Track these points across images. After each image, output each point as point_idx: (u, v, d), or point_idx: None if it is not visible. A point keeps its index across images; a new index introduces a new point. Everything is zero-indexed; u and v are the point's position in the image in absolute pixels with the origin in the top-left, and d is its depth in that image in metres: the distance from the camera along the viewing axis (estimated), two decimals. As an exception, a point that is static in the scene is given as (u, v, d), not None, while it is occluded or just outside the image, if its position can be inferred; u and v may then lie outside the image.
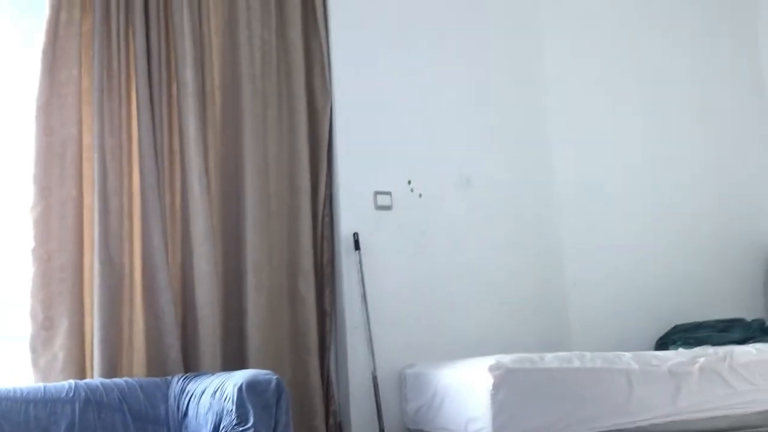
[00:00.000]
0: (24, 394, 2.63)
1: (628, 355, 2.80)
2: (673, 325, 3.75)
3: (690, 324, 3.71)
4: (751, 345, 3.05)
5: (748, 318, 3.68)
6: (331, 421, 3.25)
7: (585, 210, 3.86)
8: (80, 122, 3.10)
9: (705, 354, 2.88)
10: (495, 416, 2.53)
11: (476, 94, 3.79)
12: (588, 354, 2.76)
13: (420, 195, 3.58)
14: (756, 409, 2.75)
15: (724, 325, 3.62)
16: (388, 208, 3.51)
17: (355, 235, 3.37)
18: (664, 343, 3.64)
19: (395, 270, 3.45)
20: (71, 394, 2.67)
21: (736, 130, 4.25)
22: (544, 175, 3.83)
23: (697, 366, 2.78)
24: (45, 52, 3.07)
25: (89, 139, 3.09)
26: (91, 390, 2.71)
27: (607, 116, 4.01)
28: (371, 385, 3.22)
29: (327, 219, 3.44)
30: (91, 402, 2.67)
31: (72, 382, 2.74)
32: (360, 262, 3.34)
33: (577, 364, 2.68)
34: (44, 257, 2.95)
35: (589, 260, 3.80)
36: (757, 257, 4.13)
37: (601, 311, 3.75)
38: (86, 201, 3.07)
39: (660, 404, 2.67)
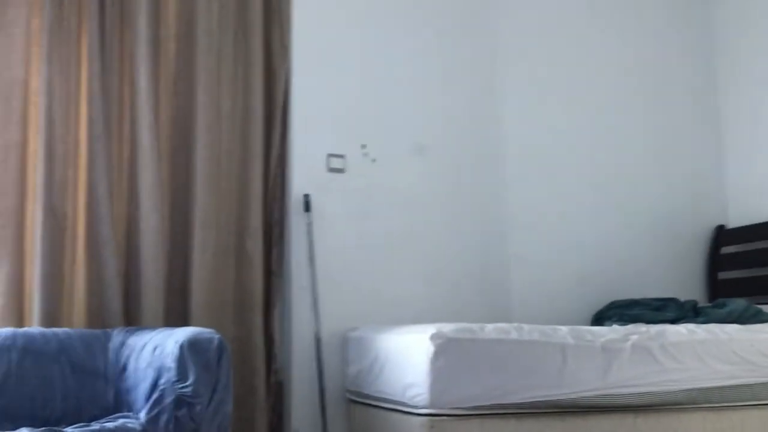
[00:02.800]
0: (-42, 341, 2.59)
1: (564, 329, 2.88)
2: (610, 301, 3.85)
3: (626, 301, 3.81)
4: (682, 325, 3.15)
5: (683, 298, 3.81)
6: (272, 379, 3.28)
7: (531, 186, 3.91)
8: (27, 64, 3.01)
9: (638, 331, 2.96)
10: (433, 383, 2.58)
11: (432, 63, 3.78)
12: (526, 326, 2.82)
13: (373, 160, 3.58)
14: (683, 387, 2.85)
15: (659, 304, 3.72)
16: (340, 171, 3.50)
17: (306, 197, 3.37)
18: (600, 318, 3.74)
19: (344, 233, 3.46)
20: (8, 342, 2.64)
21: (682, 112, 4.34)
22: (495, 149, 3.87)
23: (629, 343, 2.86)
24: (-8, -11, 2.96)
25: (36, 83, 3.00)
26: (29, 339, 2.68)
27: (558, 93, 4.04)
28: (314, 347, 3.25)
29: (278, 179, 3.42)
30: (29, 351, 2.64)
31: (10, 329, 2.70)
32: (309, 224, 3.34)
33: (514, 335, 2.74)
34: (-16, 202, 2.88)
35: (532, 235, 3.87)
36: (698, 239, 4.26)
37: (542, 285, 3.83)
38: (30, 147, 3.00)
39: (591, 378, 2.75)
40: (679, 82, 4.35)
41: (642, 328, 3.05)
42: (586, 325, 3.60)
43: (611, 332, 2.93)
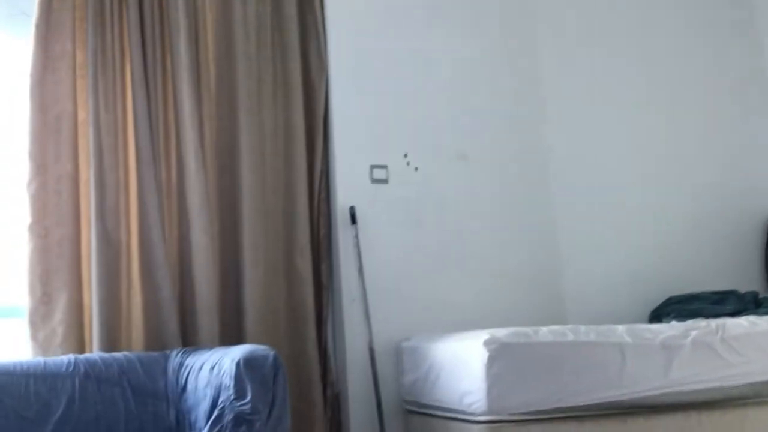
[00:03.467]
0: (24, 369, 2.66)
1: (621, 328, 2.83)
2: (667, 297, 3.77)
3: (684, 296, 3.73)
4: (743, 317, 3.07)
5: (742, 290, 3.71)
6: (328, 392, 3.29)
7: (580, 183, 3.86)
8: (75, 97, 3.09)
9: (697, 327, 2.90)
10: (489, 389, 2.56)
11: (472, 69, 3.77)
12: (582, 327, 2.79)
13: (416, 168, 3.58)
14: (746, 381, 2.78)
15: (718, 297, 3.64)
16: (384, 181, 3.51)
17: (352, 209, 3.39)
18: (657, 315, 3.67)
19: (391, 243, 3.46)
20: (71, 369, 2.70)
21: (736, 102, 4.24)
22: (540, 149, 3.83)
23: (689, 339, 2.80)
24: (38, 26, 3.05)
25: (84, 115, 3.08)
26: (91, 364, 2.74)
27: (603, 90, 3.99)
28: (368, 358, 3.25)
29: (323, 193, 3.44)
30: (91, 376, 2.70)
31: (71, 356, 2.76)
32: (356, 236, 3.36)
33: (570, 337, 2.70)
34: (41, 233, 2.96)
35: (583, 233, 3.82)
36: (754, 229, 4.14)
37: (596, 284, 3.77)
38: (82, 176, 3.07)
39: (652, 377, 2.70)
40: (729, 71, 4.25)
41: (702, 323, 2.99)
42: (644, 323, 3.53)
43: (670, 329, 2.88)
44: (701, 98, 4.18)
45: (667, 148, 4.06)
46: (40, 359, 2.76)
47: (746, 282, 3.98)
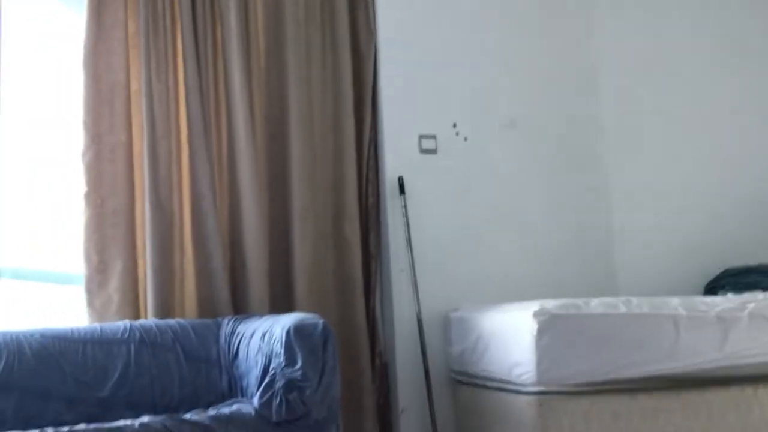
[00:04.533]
0: (82, 334, 2.74)
1: (675, 300, 2.78)
2: (723, 269, 3.69)
3: (741, 268, 3.64)
4: (803, 290, 2.99)
5: (801, 263, 3.61)
6: (377, 361, 3.32)
7: (632, 152, 3.79)
8: (127, 67, 3.12)
9: (755, 299, 2.84)
10: (539, 361, 2.55)
11: (521, 35, 3.70)
12: (634, 299, 2.75)
13: (465, 138, 3.54)
14: (805, 355, 2.71)
15: (776, 270, 3.55)
16: (432, 151, 3.49)
17: (400, 179, 3.37)
18: (713, 287, 3.60)
19: (440, 214, 3.45)
20: (127, 335, 2.77)
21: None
22: (591, 117, 3.76)
23: (746, 312, 2.74)
24: (91, -3, 3.08)
25: (136, 85, 3.12)
26: (146, 330, 2.81)
27: (657, 56, 3.88)
28: (416, 328, 3.26)
29: (372, 162, 3.44)
30: (146, 342, 2.77)
31: (127, 322, 2.84)
32: (404, 206, 3.35)
33: (623, 309, 2.67)
34: (97, 202, 3.02)
35: (636, 203, 3.75)
36: (813, 200, 4.01)
37: (649, 255, 3.71)
38: (135, 147, 3.12)
39: (707, 350, 2.65)
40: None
41: (759, 295, 2.92)
42: (699, 295, 3.46)
43: (726, 301, 2.82)
44: (760, 69, 4.03)
45: (725, 118, 3.94)
46: (97, 325, 2.83)
47: (806, 254, 3.87)
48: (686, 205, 3.83)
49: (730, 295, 3.05)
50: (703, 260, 3.75)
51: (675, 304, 2.74)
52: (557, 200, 3.64)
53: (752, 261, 3.69)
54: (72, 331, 2.75)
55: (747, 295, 2.99)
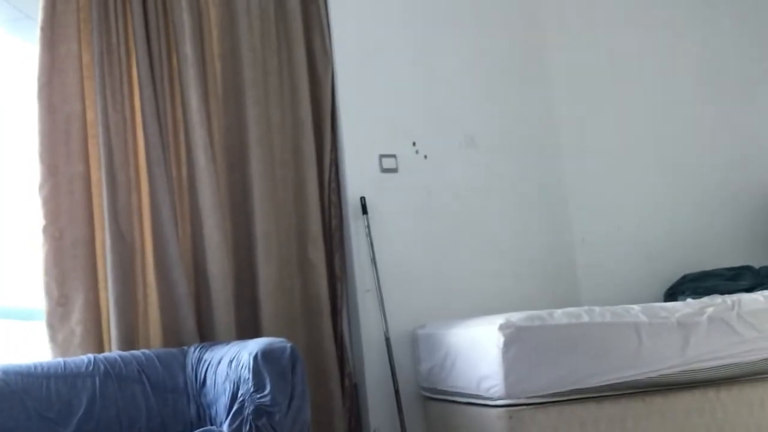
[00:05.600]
0: (45, 370, 2.68)
1: (636, 308, 2.83)
2: (682, 275, 3.77)
3: (698, 273, 3.73)
4: (759, 292, 3.06)
5: (757, 266, 3.70)
6: (346, 382, 3.31)
7: (590, 165, 3.86)
8: (83, 98, 3.09)
9: (713, 303, 2.90)
10: (507, 374, 2.57)
11: (477, 53, 3.76)
12: (597, 309, 2.79)
13: (425, 156, 3.58)
14: (764, 356, 2.77)
15: (733, 274, 3.63)
16: (393, 170, 3.51)
17: (362, 200, 3.39)
18: (673, 293, 3.67)
19: (403, 232, 3.47)
20: (91, 368, 2.72)
21: (741, 81, 4.21)
22: (548, 132, 3.82)
23: (705, 316, 2.80)
24: (43, 29, 3.05)
25: (93, 115, 3.09)
26: (110, 363, 2.76)
27: (609, 71, 3.98)
28: (384, 347, 3.27)
29: (333, 184, 3.45)
30: (111, 375, 2.73)
31: (91, 356, 2.78)
32: (368, 226, 3.36)
33: (586, 319, 2.71)
34: (56, 235, 2.98)
35: (595, 215, 3.82)
36: (765, 204, 4.12)
37: (610, 265, 3.77)
38: (94, 177, 3.09)
39: (669, 355, 2.71)
40: (735, 49, 4.21)
41: (717, 299, 2.99)
42: (659, 301, 3.53)
43: (686, 306, 2.88)
44: (715, 74, 4.15)
45: (676, 127, 4.04)
46: (60, 360, 2.78)
47: (761, 257, 3.97)
48: (644, 214, 3.91)
49: (689, 300, 3.12)
50: (662, 267, 3.83)
51: (636, 311, 2.79)
52: (518, 215, 3.69)
53: (710, 266, 3.78)
54: (35, 366, 2.69)
55: (706, 300, 3.05)
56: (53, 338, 2.94)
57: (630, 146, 3.95)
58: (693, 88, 4.12)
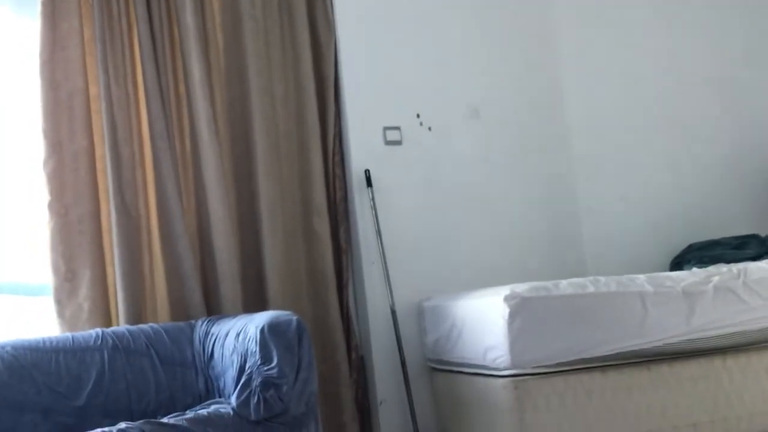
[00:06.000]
0: (53, 344, 2.71)
1: (642, 277, 2.83)
2: (687, 244, 3.76)
3: (705, 242, 3.71)
4: (765, 261, 3.06)
5: (763, 234, 3.69)
6: (353, 355, 3.33)
7: (596, 135, 3.83)
8: (85, 73, 3.09)
9: (719, 272, 2.90)
10: (512, 344, 2.58)
11: (482, 22, 3.72)
12: (602, 279, 2.79)
13: (429, 128, 3.56)
14: (770, 324, 2.78)
15: (739, 242, 3.62)
16: (398, 143, 3.50)
17: (367, 172, 3.38)
18: (679, 262, 3.66)
19: (408, 204, 3.47)
20: (99, 342, 2.75)
21: (748, 50, 4.15)
22: (554, 101, 3.79)
23: (711, 285, 2.80)
24: (44, 5, 3.05)
25: (96, 90, 3.09)
26: (118, 337, 2.79)
27: (617, 39, 3.94)
28: (390, 319, 3.28)
29: (338, 157, 3.44)
30: (119, 348, 2.75)
31: (99, 330, 2.81)
32: (372, 199, 3.36)
33: (591, 289, 2.71)
34: (61, 211, 2.99)
35: (601, 185, 3.80)
36: (772, 172, 4.10)
37: (616, 235, 3.76)
38: (98, 152, 3.09)
39: (675, 324, 2.71)
40: (740, 18, 4.16)
41: (723, 268, 2.98)
42: (665, 271, 3.53)
43: (691, 275, 2.88)
44: (715, 42, 4.10)
45: (682, 94, 4.00)
46: (68, 334, 2.80)
47: (767, 226, 3.95)
48: (650, 184, 3.89)
49: (695, 269, 3.11)
50: (668, 236, 3.82)
51: (642, 281, 2.79)
52: (523, 185, 3.68)
53: (715, 235, 3.77)
54: (44, 341, 2.72)
55: (711, 269, 3.05)
56: (61, 314, 2.96)
57: (636, 115, 3.92)
58: (701, 54, 4.07)
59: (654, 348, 2.68)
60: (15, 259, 3.22)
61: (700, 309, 2.74)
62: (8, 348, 2.64)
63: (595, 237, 3.74)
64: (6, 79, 3.21)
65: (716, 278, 2.82)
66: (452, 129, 3.60)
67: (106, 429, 2.25)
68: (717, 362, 2.75)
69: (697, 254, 3.62)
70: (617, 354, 2.64)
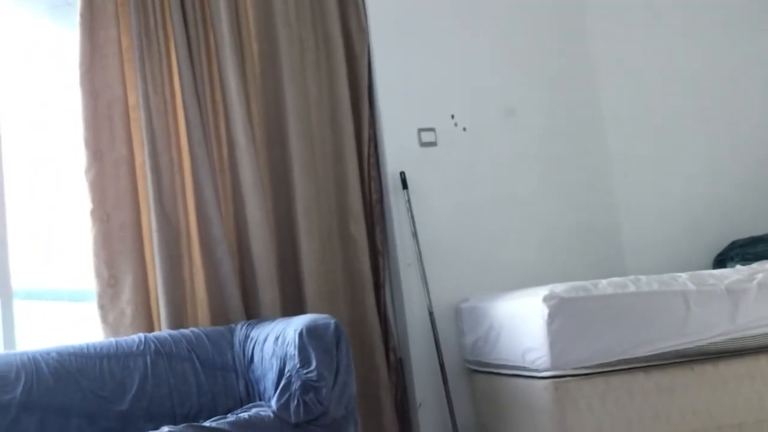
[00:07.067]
0: (97, 350, 2.77)
1: (684, 276, 2.79)
2: (730, 241, 3.69)
3: (748, 239, 3.65)
4: (811, 257, 3.00)
5: (808, 230, 3.61)
6: (391, 357, 3.33)
7: (633, 132, 3.78)
8: (124, 82, 3.14)
9: (763, 269, 2.84)
10: (552, 345, 2.56)
11: (515, 22, 3.70)
12: (643, 278, 2.76)
13: (464, 129, 3.55)
14: (817, 322, 2.72)
15: (784, 239, 3.55)
16: (432, 144, 3.50)
17: (402, 174, 3.38)
18: (722, 260, 3.60)
19: (444, 206, 3.46)
20: (142, 347, 2.79)
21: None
22: (589, 99, 3.75)
23: (755, 282, 2.74)
24: (83, 15, 3.10)
25: (134, 99, 3.14)
26: (161, 342, 2.83)
27: (653, 35, 3.88)
28: (428, 321, 3.27)
29: (373, 160, 3.45)
30: (162, 353, 2.79)
31: (141, 335, 2.86)
32: (408, 201, 3.36)
33: (632, 288, 2.68)
34: (103, 218, 3.05)
35: (640, 182, 3.75)
36: (817, 167, 4.00)
37: (656, 233, 3.71)
38: (137, 160, 3.14)
39: (718, 323, 2.66)
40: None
41: (767, 265, 2.92)
42: (708, 269, 3.47)
43: (735, 273, 2.83)
44: (759, 38, 4.01)
45: (722, 88, 3.93)
46: (112, 340, 2.85)
47: (812, 221, 3.87)
48: (691, 180, 3.83)
49: (738, 267, 3.06)
50: (710, 233, 3.75)
51: (684, 279, 2.75)
52: (561, 185, 3.65)
53: (759, 231, 3.69)
54: (88, 347, 2.77)
55: (755, 266, 2.99)
56: (104, 319, 3.02)
57: (675, 110, 3.86)
58: (740, 46, 3.99)
59: (697, 347, 2.64)
60: (58, 266, 3.29)
61: (744, 307, 2.69)
62: (54, 354, 2.70)
63: (635, 235, 3.69)
64: (50, 89, 3.28)
65: (760, 275, 2.77)
66: (487, 129, 3.58)
67: (150, 433, 2.29)
68: (762, 361, 2.70)
69: (740, 251, 3.56)
70: (659, 354, 2.60)
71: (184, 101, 3.15)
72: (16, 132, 3.20)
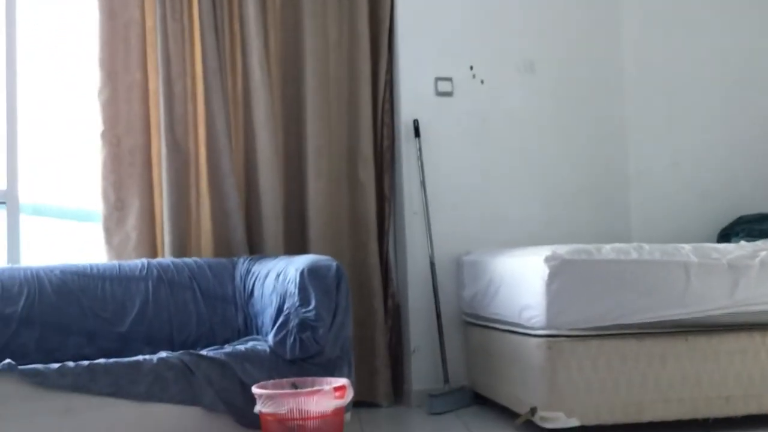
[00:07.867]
0: (101, 271, 2.80)
1: (687, 247, 2.78)
2: (737, 216, 3.68)
3: (755, 215, 3.63)
4: (816, 239, 2.99)
5: (817, 210, 3.59)
6: (389, 302, 3.37)
7: (650, 98, 3.72)
8: (142, 5, 3.11)
9: (767, 247, 2.83)
10: (549, 305, 2.58)
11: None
12: (646, 246, 2.75)
13: (482, 81, 3.51)
14: (816, 303, 2.72)
15: (791, 218, 3.53)
16: (449, 94, 3.46)
17: (415, 122, 3.36)
18: (727, 234, 3.59)
19: (455, 157, 3.44)
20: (144, 272, 2.83)
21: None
22: (612, 61, 3.69)
23: (758, 259, 2.74)
24: (104, -65, 3.04)
25: (152, 22, 3.11)
26: (163, 268, 2.86)
27: (680, 2, 3.79)
28: (429, 270, 3.30)
29: (387, 105, 3.42)
30: (164, 280, 2.83)
31: (145, 260, 2.89)
32: (419, 149, 3.34)
33: (634, 255, 2.67)
34: (113, 141, 3.05)
35: (653, 150, 3.71)
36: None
37: (664, 202, 3.69)
38: (151, 85, 3.13)
39: (717, 297, 2.67)
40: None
41: (772, 243, 2.91)
42: (712, 242, 3.46)
43: (738, 249, 2.82)
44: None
45: (743, 64, 3.86)
46: (115, 262, 2.89)
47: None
48: (702, 152, 3.79)
49: (743, 242, 3.05)
50: (717, 207, 3.73)
51: (687, 251, 2.74)
52: (574, 145, 3.62)
53: (766, 208, 3.67)
54: (91, 267, 2.80)
55: (760, 243, 2.98)
56: (109, 241, 3.05)
57: (694, 82, 3.79)
58: (759, 22, 3.89)
59: (694, 319, 2.65)
60: (64, 185, 3.30)
61: (744, 283, 2.69)
62: (57, 272, 2.74)
63: (643, 203, 3.68)
64: (66, 9, 3.24)
65: (763, 253, 2.76)
66: (505, 83, 3.54)
67: (147, 356, 2.33)
68: (756, 337, 2.72)
69: (747, 227, 3.54)
70: (656, 323, 2.62)
71: (201, 28, 3.12)
72: (32, 49, 3.17)
